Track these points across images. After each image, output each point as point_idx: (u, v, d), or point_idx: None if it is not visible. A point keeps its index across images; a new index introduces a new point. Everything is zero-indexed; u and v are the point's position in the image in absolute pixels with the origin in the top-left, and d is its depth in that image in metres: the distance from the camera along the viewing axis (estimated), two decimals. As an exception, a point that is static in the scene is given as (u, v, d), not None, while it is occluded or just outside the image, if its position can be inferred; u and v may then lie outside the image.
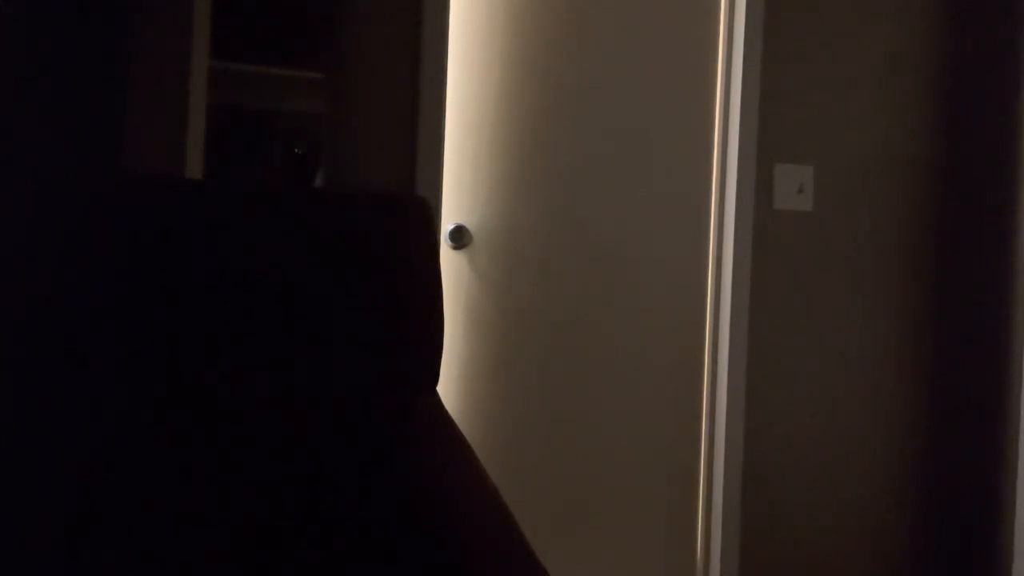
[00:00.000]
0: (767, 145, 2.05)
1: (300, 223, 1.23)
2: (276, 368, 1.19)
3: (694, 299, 2.07)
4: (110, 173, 1.51)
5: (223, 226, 1.19)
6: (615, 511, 2.02)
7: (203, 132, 1.63)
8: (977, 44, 2.18)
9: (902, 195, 2.16)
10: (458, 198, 1.91)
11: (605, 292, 2.00)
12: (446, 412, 1.26)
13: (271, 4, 1.71)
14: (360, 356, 1.23)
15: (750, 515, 2.05)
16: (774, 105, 2.05)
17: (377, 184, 1.77)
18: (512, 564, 0.87)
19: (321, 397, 1.21)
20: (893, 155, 2.15)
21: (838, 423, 2.12)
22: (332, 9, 1.72)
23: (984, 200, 2.15)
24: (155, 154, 1.59)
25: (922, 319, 2.18)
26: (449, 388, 1.90)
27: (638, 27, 2.01)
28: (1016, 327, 2.05)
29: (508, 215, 1.94)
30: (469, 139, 1.92)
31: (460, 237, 1.90)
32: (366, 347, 1.23)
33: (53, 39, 1.47)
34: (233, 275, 1.18)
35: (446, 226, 1.89)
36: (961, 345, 2.18)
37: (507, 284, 1.94)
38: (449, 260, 1.90)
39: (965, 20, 2.19)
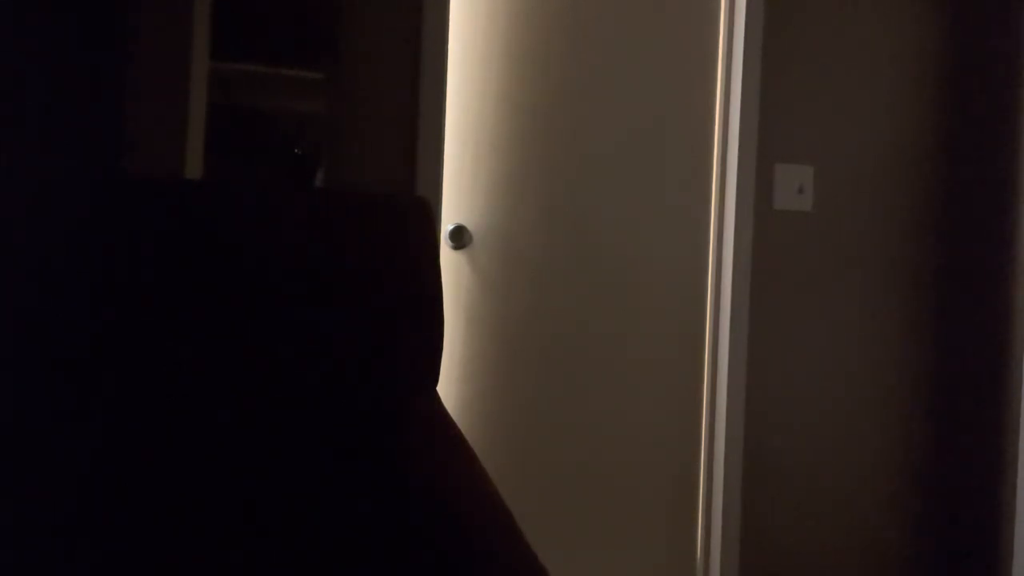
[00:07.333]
0: (767, 145, 2.05)
1: (300, 223, 1.23)
2: (275, 368, 1.19)
3: (694, 299, 2.07)
4: (110, 174, 1.51)
5: (223, 227, 1.19)
6: (615, 511, 2.02)
7: (203, 132, 1.63)
8: (977, 44, 2.18)
9: (902, 195, 2.16)
10: (458, 198, 1.91)
11: (605, 292, 2.00)
12: (446, 412, 1.26)
13: (271, 4, 1.71)
14: (360, 356, 1.23)
15: (750, 515, 2.05)
16: (774, 105, 2.05)
17: (377, 184, 1.77)
18: (512, 563, 0.87)
19: (320, 396, 1.21)
20: (893, 155, 2.15)
21: (838, 423, 2.12)
22: (332, 9, 1.73)
23: (984, 200, 2.15)
24: (155, 154, 1.59)
25: (922, 319, 2.18)
26: (449, 388, 1.90)
27: (638, 27, 2.01)
28: (1016, 327, 2.05)
29: (508, 215, 1.94)
30: (469, 139, 1.92)
31: (460, 237, 1.90)
32: (366, 347, 1.23)
33: (53, 39, 1.47)
34: (232, 275, 1.18)
35: (446, 226, 1.89)
36: (961, 345, 2.18)
37: (507, 284, 1.94)
38: (449, 260, 1.90)
39: (965, 20, 2.19)
